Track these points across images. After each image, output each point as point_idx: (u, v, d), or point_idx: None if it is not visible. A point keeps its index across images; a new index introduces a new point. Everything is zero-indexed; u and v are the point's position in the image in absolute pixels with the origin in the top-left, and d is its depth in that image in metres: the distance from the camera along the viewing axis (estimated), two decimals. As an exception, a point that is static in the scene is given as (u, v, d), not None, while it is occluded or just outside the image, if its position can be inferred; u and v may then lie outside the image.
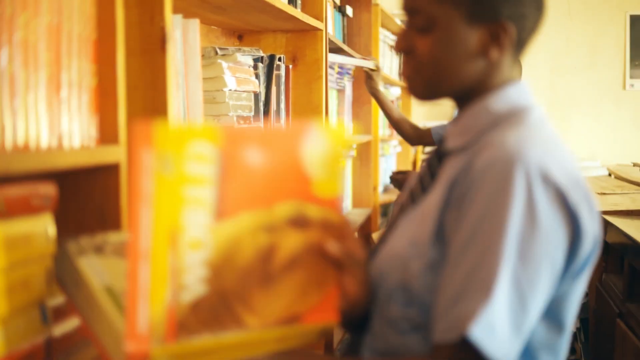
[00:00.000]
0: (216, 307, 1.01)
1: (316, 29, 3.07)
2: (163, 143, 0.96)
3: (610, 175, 5.09)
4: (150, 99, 1.64)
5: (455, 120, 1.31)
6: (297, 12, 2.76)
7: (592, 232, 1.15)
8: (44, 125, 1.17)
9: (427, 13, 1.21)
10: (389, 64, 5.57)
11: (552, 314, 1.17)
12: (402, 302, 1.19)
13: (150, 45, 1.63)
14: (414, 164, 6.33)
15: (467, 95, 1.27)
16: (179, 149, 0.98)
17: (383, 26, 5.24)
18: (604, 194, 3.81)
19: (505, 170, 1.09)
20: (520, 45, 1.26)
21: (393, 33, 5.73)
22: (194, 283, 0.99)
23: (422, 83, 1.26)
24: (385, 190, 5.42)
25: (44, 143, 1.16)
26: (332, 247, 1.12)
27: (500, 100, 1.24)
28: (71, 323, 1.18)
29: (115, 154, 1.36)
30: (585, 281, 1.22)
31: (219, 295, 1.01)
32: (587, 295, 3.42)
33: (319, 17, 3.08)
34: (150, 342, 0.95)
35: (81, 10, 1.29)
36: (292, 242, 1.09)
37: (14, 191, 1.03)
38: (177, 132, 1.00)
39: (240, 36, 3.18)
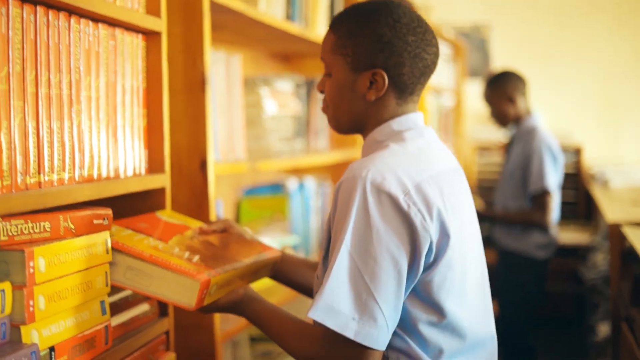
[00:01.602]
0: (218, 259, 1.58)
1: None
2: None
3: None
4: (193, 132, 1.97)
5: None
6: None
7: (430, 230, 1.38)
8: (104, 160, 1.51)
9: (327, 62, 1.56)
10: (441, 74, 5.75)
11: (426, 298, 1.41)
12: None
13: (192, 85, 1.96)
14: (468, 170, 6.55)
15: (365, 129, 1.56)
16: None
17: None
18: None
19: (349, 187, 1.38)
20: (403, 87, 1.51)
21: (446, 41, 5.96)
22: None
23: (330, 118, 1.59)
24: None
25: (104, 174, 1.51)
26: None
27: (382, 131, 1.52)
28: (124, 315, 1.54)
29: (161, 180, 1.70)
30: (461, 271, 1.44)
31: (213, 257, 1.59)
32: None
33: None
34: (207, 275, 1.46)
35: (133, 66, 1.63)
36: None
37: (81, 214, 1.38)
38: None
39: (286, 58, 3.51)
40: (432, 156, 1.49)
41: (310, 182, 3.23)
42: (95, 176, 1.49)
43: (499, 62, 6.71)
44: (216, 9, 2.10)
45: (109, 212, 1.46)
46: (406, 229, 1.36)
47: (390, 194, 1.36)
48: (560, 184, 3.88)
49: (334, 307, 1.34)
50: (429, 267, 1.40)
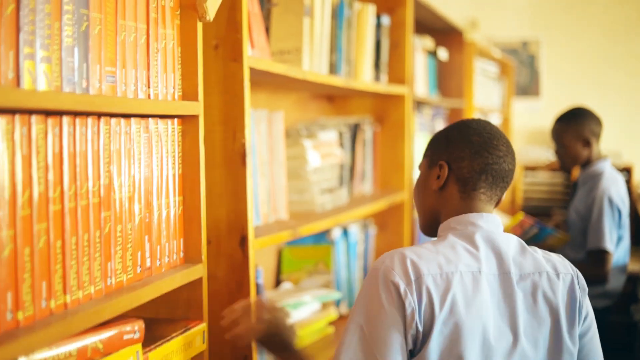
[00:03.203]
0: None
1: (400, 95, 3.26)
2: None
3: None
4: (233, 207, 1.87)
5: None
6: (379, 87, 2.97)
7: (417, 320, 1.50)
8: (137, 261, 1.42)
9: (420, 164, 1.77)
10: (488, 93, 5.66)
11: None
12: None
13: (232, 159, 1.86)
14: (514, 191, 6.40)
15: (436, 223, 1.72)
16: None
17: (482, 56, 5.35)
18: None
19: (369, 276, 1.56)
20: (464, 180, 1.66)
21: (493, 60, 5.84)
22: None
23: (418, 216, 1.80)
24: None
25: (136, 273, 1.42)
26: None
27: (443, 228, 1.67)
28: None
29: (198, 272, 1.61)
30: (455, 341, 1.52)
31: None
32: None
33: (403, 80, 3.27)
34: None
35: (168, 153, 1.53)
36: None
37: (108, 335, 1.28)
38: None
39: (330, 98, 3.40)
40: (461, 256, 1.57)
41: (355, 228, 3.12)
42: (125, 281, 1.39)
43: (548, 79, 6.55)
44: (257, 73, 2.00)
45: (139, 323, 1.36)
46: (400, 313, 1.50)
47: (394, 281, 1.51)
48: (628, 228, 3.55)
49: None
50: (419, 351, 1.52)
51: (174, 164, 1.56)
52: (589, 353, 1.62)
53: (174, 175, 1.56)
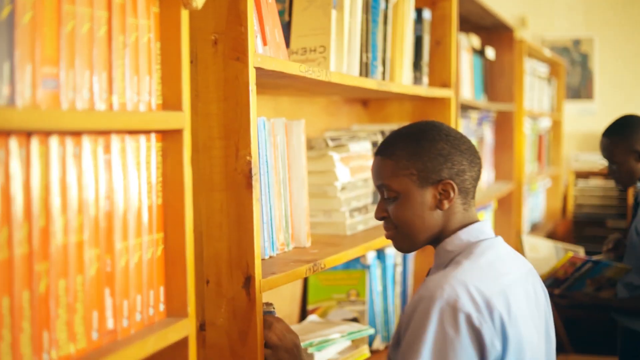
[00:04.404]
0: None
1: (444, 98, 2.88)
2: None
3: None
4: (236, 240, 1.52)
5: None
6: (419, 90, 2.59)
7: (497, 345, 1.46)
8: (94, 314, 1.07)
9: (391, 186, 1.62)
10: (538, 95, 5.26)
11: None
12: None
13: (234, 180, 1.52)
14: (565, 198, 5.99)
15: (436, 240, 1.65)
16: None
17: (531, 56, 4.96)
18: None
19: (426, 306, 1.46)
20: (466, 192, 1.63)
21: (543, 61, 5.44)
22: None
23: (403, 239, 1.65)
24: (533, 229, 5.12)
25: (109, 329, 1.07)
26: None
27: (452, 242, 1.62)
28: None
29: (182, 329, 1.25)
30: None
31: None
32: None
33: (446, 83, 2.88)
34: None
35: (141, 178, 1.19)
36: None
37: None
38: None
39: (365, 103, 3.03)
40: (501, 268, 1.58)
41: (391, 250, 2.75)
42: (74, 353, 1.04)
43: (602, 81, 6.14)
44: (271, 75, 1.65)
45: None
46: (477, 345, 1.45)
47: (466, 312, 1.45)
48: None
49: None
50: None
51: (149, 192, 1.21)
52: None
53: (150, 207, 1.21)
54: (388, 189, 1.62)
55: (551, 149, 5.85)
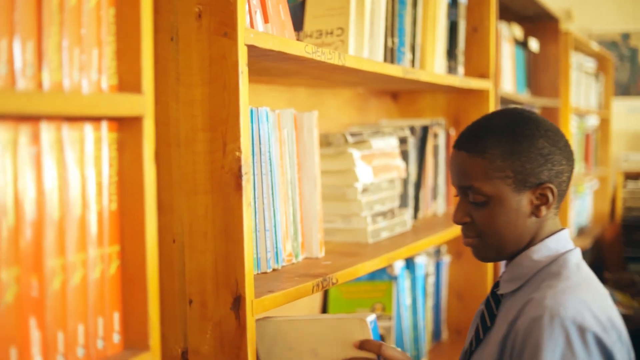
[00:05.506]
0: None
1: (481, 89, 2.60)
2: None
3: None
4: (223, 252, 1.27)
5: (506, 271, 1.49)
6: (453, 80, 2.32)
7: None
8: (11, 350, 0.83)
9: (480, 191, 1.41)
10: (585, 92, 4.96)
11: None
12: None
13: (221, 181, 1.27)
14: (613, 201, 5.66)
15: (519, 249, 1.46)
16: None
17: (577, 50, 4.65)
18: None
19: (547, 325, 1.28)
20: (562, 195, 1.45)
21: (590, 55, 5.12)
22: None
23: (488, 248, 1.46)
24: (580, 233, 4.80)
25: None
26: None
27: (539, 251, 1.43)
28: None
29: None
30: None
31: None
32: None
33: (485, 74, 2.60)
34: None
35: (92, 178, 0.94)
36: None
37: None
38: None
39: (395, 96, 2.77)
40: (597, 281, 1.44)
41: (422, 258, 2.48)
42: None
43: (654, 77, 5.82)
44: (270, 56, 1.40)
45: None
46: None
47: (594, 332, 1.30)
48: None
49: None
50: None
51: (99, 195, 0.97)
52: None
53: (99, 214, 0.97)
54: (477, 192, 1.42)
55: (599, 149, 5.55)
